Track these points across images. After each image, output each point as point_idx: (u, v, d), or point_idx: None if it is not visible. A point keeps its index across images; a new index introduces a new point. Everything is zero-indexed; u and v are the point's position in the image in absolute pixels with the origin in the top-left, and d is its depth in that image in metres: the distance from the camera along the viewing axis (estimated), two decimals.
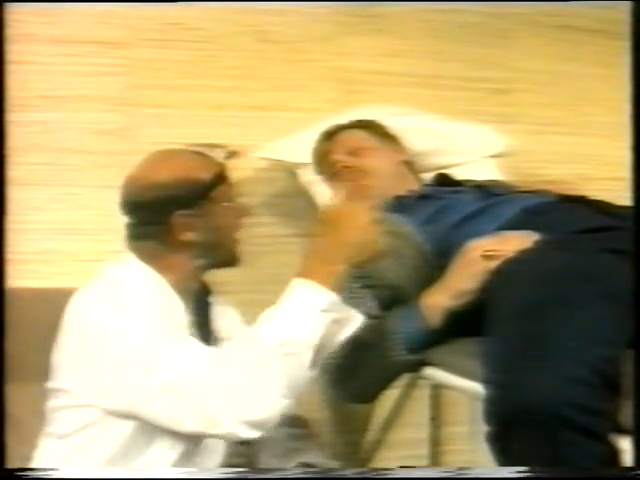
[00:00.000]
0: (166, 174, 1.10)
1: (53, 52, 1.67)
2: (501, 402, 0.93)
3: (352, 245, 1.05)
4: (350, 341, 1.20)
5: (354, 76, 1.87)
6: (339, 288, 1.03)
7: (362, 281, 1.29)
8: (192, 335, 1.08)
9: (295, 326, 0.98)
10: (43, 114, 1.65)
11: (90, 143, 1.67)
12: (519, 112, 1.98)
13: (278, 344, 0.97)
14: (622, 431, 0.92)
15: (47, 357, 1.08)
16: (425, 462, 1.87)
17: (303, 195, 1.70)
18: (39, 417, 1.10)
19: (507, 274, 1.08)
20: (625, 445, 0.92)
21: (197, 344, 1.03)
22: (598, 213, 1.21)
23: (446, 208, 1.34)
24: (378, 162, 1.51)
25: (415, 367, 1.22)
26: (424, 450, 1.89)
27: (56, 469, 1.01)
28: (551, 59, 2.04)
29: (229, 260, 1.16)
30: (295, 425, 1.31)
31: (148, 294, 1.06)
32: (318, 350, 1.01)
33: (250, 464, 1.23)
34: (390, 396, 1.70)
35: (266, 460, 1.23)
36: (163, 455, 1.05)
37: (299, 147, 1.64)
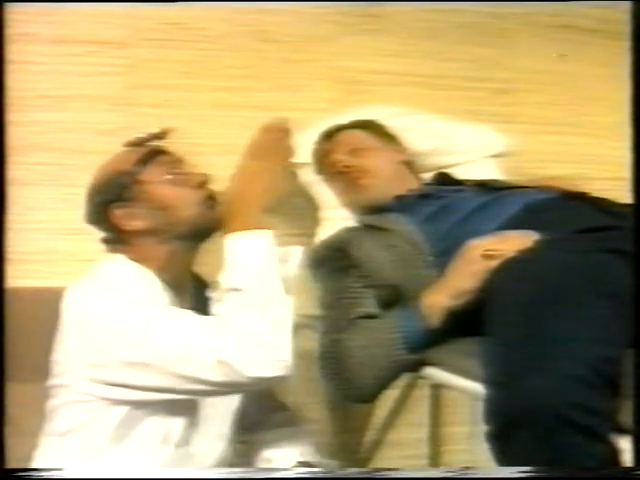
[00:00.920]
0: (95, 178, 1.16)
1: (53, 52, 1.67)
2: (501, 402, 0.93)
3: (261, 192, 1.14)
4: (350, 341, 1.20)
5: (354, 76, 1.87)
6: (268, 225, 1.11)
7: (362, 281, 1.29)
8: None
9: (256, 269, 1.05)
10: (43, 114, 1.65)
11: (90, 143, 1.67)
12: (519, 112, 1.98)
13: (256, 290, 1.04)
14: (622, 431, 0.92)
15: (47, 357, 1.08)
16: (425, 462, 1.87)
17: (303, 195, 1.69)
18: (39, 417, 1.10)
19: (507, 274, 1.08)
20: (625, 445, 0.92)
21: (194, 314, 1.07)
22: (599, 212, 1.21)
23: (447, 207, 1.34)
24: (378, 162, 1.51)
25: (415, 367, 1.22)
26: (424, 450, 1.89)
27: (56, 469, 1.01)
28: (551, 59, 2.04)
29: (204, 231, 1.15)
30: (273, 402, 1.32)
31: (137, 280, 1.09)
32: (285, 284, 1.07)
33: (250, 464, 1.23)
34: (390, 396, 1.70)
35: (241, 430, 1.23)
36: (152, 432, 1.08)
37: (299, 147, 1.63)
